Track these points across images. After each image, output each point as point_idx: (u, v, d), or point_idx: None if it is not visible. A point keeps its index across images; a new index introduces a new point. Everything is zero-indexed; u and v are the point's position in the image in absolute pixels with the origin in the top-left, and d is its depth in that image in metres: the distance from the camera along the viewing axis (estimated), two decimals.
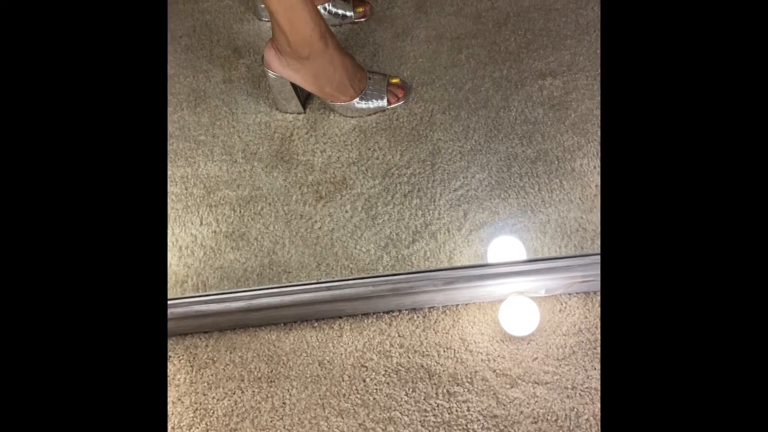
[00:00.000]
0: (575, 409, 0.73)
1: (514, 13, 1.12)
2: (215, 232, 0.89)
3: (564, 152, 0.93)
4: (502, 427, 0.72)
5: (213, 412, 0.76)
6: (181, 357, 0.80)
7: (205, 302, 0.76)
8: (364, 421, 0.74)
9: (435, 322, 0.80)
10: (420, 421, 0.73)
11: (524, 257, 0.81)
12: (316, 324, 0.81)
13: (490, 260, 0.82)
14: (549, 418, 0.73)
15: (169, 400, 0.77)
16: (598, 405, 0.73)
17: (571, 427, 0.72)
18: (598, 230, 0.84)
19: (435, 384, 0.76)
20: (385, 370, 0.77)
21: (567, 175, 0.90)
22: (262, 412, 0.75)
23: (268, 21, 1.12)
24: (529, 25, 1.10)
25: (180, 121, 1.02)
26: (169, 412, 0.76)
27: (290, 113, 1.01)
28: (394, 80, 1.01)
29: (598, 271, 0.75)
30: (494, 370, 0.76)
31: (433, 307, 0.81)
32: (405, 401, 0.75)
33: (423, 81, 1.04)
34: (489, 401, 0.74)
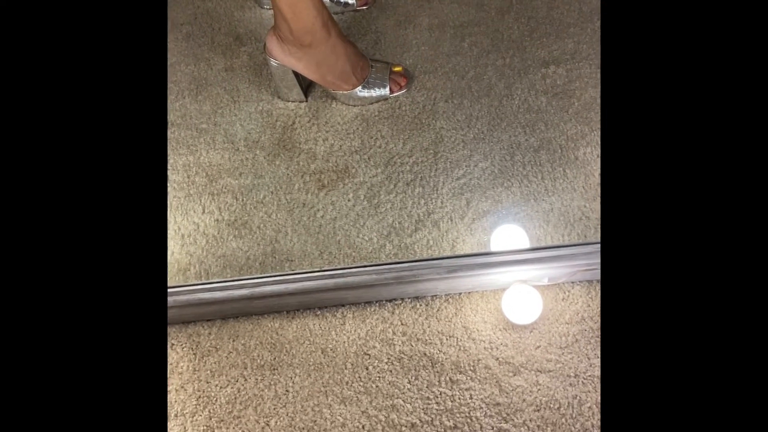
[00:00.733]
0: (578, 397, 0.73)
1: (517, 0, 1.11)
2: (218, 220, 0.89)
3: (567, 141, 0.93)
4: (504, 415, 0.73)
5: (216, 400, 0.76)
6: (184, 345, 0.80)
7: (208, 290, 0.76)
8: (366, 408, 0.74)
9: (438, 310, 0.80)
10: (423, 409, 0.73)
11: (527, 246, 0.80)
12: (319, 312, 0.81)
13: (493, 249, 0.82)
14: (552, 406, 0.73)
15: (172, 387, 0.77)
16: None
17: (574, 415, 0.72)
18: None
19: (438, 372, 0.76)
20: (388, 358, 0.77)
21: (570, 164, 0.90)
22: (265, 400, 0.75)
23: (270, 8, 1.11)
24: (532, 12, 1.09)
25: (182, 109, 1.02)
26: (172, 400, 0.76)
27: (292, 101, 1.01)
28: (397, 68, 1.01)
29: None
30: (497, 358, 0.76)
31: (436, 296, 0.81)
32: (408, 389, 0.75)
33: (425, 69, 1.03)
34: (492, 389, 0.74)
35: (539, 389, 0.74)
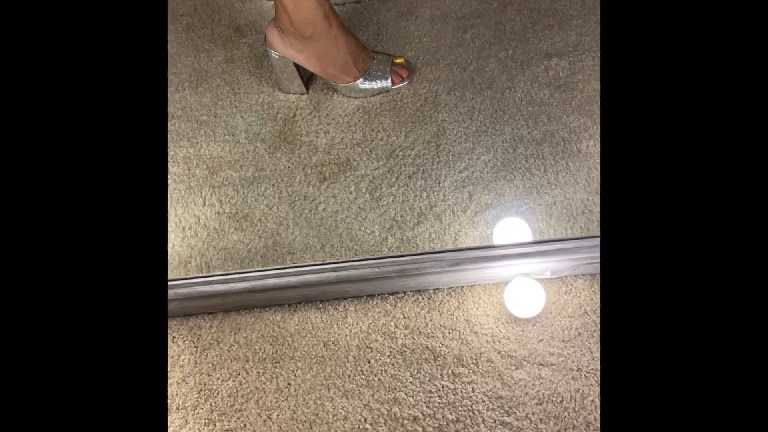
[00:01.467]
0: (580, 391, 0.73)
1: None
2: (218, 212, 0.88)
3: (570, 133, 0.92)
4: (507, 408, 0.72)
5: (218, 393, 0.76)
6: (185, 338, 0.79)
7: (210, 283, 0.75)
8: (368, 401, 0.74)
9: (440, 303, 0.80)
10: (425, 402, 0.73)
11: (530, 239, 0.80)
12: (320, 305, 0.81)
13: (496, 242, 0.81)
14: (554, 399, 0.73)
15: (174, 380, 0.77)
16: None
17: (576, 408, 0.72)
18: None
19: (440, 365, 0.76)
20: (390, 351, 0.77)
21: (573, 157, 0.90)
22: (266, 393, 0.75)
23: (271, 0, 1.11)
24: (535, 4, 1.08)
25: (182, 101, 1.01)
26: (174, 393, 0.76)
27: (293, 94, 1.00)
28: (399, 60, 1.00)
29: None
30: (499, 352, 0.76)
31: (438, 289, 0.81)
32: (410, 382, 0.75)
33: (427, 61, 1.02)
34: (494, 382, 0.74)
35: (542, 383, 0.74)
